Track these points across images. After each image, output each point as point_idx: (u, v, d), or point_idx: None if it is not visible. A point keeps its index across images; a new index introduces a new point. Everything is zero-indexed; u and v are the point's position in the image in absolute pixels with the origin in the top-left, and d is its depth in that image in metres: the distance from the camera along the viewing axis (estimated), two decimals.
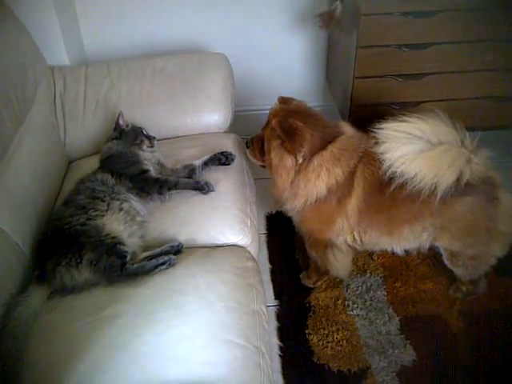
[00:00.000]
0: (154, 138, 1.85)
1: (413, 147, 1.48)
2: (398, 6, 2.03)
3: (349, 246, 1.78)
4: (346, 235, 1.73)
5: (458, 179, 1.47)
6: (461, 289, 1.94)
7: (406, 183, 1.49)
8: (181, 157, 1.85)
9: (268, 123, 1.71)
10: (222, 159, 1.80)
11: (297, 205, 1.70)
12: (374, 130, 1.55)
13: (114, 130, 1.85)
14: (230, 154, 1.81)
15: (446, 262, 1.80)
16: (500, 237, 1.67)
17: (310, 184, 1.62)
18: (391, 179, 1.52)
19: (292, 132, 1.60)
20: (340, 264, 1.84)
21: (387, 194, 1.55)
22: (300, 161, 1.61)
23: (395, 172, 1.49)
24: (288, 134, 1.60)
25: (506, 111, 2.35)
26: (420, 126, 1.50)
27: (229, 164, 1.81)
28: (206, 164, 1.78)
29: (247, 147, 1.84)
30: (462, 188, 1.50)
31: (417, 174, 1.46)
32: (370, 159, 1.61)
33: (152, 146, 1.83)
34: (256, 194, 1.92)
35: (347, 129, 1.71)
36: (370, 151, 1.61)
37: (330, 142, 1.63)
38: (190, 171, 1.76)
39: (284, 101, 1.77)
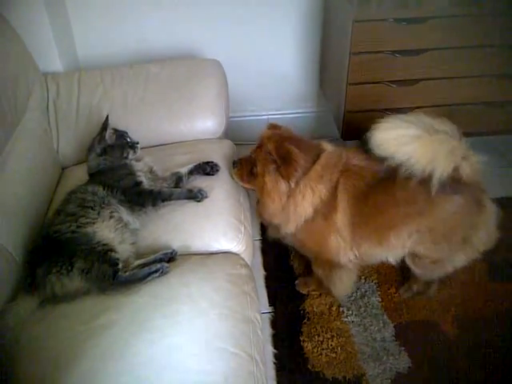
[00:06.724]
0: (137, 143, 1.81)
1: (411, 131, 1.47)
2: (390, 13, 2.05)
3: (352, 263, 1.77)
4: (347, 251, 1.71)
5: (454, 172, 1.46)
6: (412, 288, 1.96)
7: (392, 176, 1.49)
8: (173, 163, 1.84)
9: (259, 146, 1.70)
10: (206, 169, 1.79)
11: (291, 229, 1.70)
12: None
13: (101, 133, 1.77)
14: (216, 165, 1.81)
15: (407, 261, 1.76)
16: (469, 248, 1.66)
17: (298, 207, 1.63)
18: (373, 187, 1.55)
19: (288, 157, 1.60)
20: (344, 285, 1.84)
21: (371, 203, 1.57)
22: (293, 186, 1.62)
23: (383, 155, 1.48)
24: (284, 160, 1.60)
25: (500, 116, 2.36)
26: (421, 118, 1.50)
27: (213, 174, 1.80)
28: (191, 173, 1.77)
29: (234, 167, 1.81)
30: (451, 186, 1.48)
31: (410, 157, 1.44)
32: (350, 172, 1.63)
33: (135, 153, 1.80)
34: (250, 200, 1.91)
35: (327, 146, 1.73)
36: (350, 165, 1.64)
37: (314, 163, 1.64)
38: (178, 179, 1.75)
39: (274, 126, 1.78)
